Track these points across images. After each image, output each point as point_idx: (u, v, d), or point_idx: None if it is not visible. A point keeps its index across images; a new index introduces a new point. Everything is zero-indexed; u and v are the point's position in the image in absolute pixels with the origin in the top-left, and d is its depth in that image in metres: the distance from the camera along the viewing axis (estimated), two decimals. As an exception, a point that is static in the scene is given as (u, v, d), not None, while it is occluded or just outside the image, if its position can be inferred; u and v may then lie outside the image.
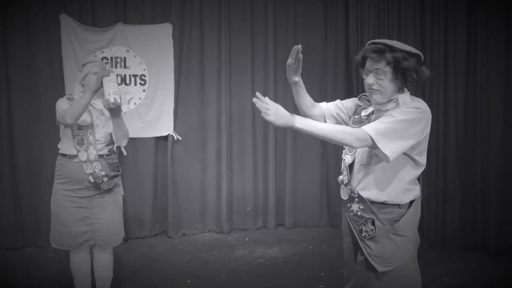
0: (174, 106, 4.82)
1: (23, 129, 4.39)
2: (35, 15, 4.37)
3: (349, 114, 2.15)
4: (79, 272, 2.95)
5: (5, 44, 4.31)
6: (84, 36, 4.46)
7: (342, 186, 2.07)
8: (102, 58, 4.50)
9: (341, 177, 2.08)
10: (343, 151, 2.10)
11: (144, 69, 4.69)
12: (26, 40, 4.36)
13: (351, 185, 2.00)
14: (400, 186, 1.95)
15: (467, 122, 4.36)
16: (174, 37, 4.76)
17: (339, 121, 2.15)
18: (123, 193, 3.03)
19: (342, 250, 2.26)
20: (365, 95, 2.08)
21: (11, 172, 4.36)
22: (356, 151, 2.01)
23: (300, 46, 1.88)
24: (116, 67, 4.56)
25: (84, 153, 2.77)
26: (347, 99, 2.21)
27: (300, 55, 1.91)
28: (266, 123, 5.06)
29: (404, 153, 1.89)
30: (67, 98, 2.86)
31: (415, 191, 2.00)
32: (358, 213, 1.98)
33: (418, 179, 2.05)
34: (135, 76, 4.66)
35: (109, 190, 2.87)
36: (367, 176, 1.97)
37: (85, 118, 2.78)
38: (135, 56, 4.62)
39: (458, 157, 4.37)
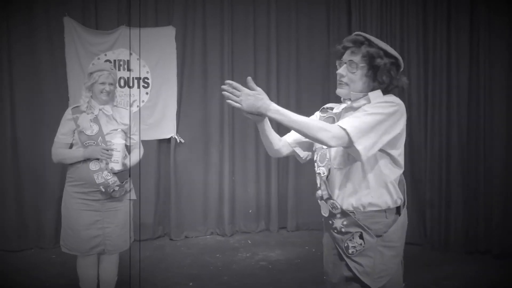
0: (177, 108, 4.83)
1: (26, 132, 4.41)
2: (39, 18, 4.40)
3: None
4: (86, 275, 2.93)
5: (9, 47, 4.34)
6: (87, 39, 4.48)
7: (321, 202, 1.89)
8: (106, 61, 4.52)
9: (319, 192, 1.89)
10: (315, 164, 1.94)
11: (147, 72, 4.71)
12: (30, 43, 4.39)
13: (332, 200, 1.83)
14: (383, 185, 1.79)
15: (470, 123, 4.35)
16: (177, 40, 4.78)
17: (309, 144, 2.02)
18: (135, 197, 3.02)
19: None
20: (328, 108, 1.98)
21: (14, 175, 4.38)
22: (328, 160, 1.86)
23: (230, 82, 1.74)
24: (119, 69, 4.58)
25: (96, 162, 2.77)
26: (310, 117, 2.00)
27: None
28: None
29: (382, 151, 1.76)
30: (72, 109, 2.88)
31: (399, 194, 1.83)
32: (343, 230, 1.80)
33: (401, 186, 1.88)
34: (138, 79, 4.68)
35: (121, 197, 2.88)
36: (347, 180, 1.81)
37: (90, 127, 2.81)
38: (138, 59, 4.64)
39: (461, 160, 4.36)
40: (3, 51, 4.31)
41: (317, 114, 2.04)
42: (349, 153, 1.76)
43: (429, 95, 4.48)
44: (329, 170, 1.86)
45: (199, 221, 5.00)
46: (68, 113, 2.89)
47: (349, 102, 1.87)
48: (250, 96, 1.66)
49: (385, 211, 1.79)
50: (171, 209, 4.88)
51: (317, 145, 1.91)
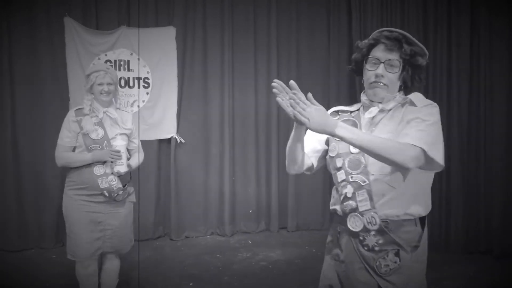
0: (177, 108, 4.83)
1: (27, 132, 4.41)
2: (39, 18, 4.41)
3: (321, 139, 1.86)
4: (87, 283, 2.89)
5: (10, 47, 4.34)
6: (88, 39, 4.49)
7: (354, 215, 1.68)
8: (106, 61, 4.52)
9: (351, 203, 1.68)
10: (338, 172, 1.74)
11: (148, 72, 4.71)
12: (30, 43, 4.39)
13: (373, 212, 1.65)
14: (422, 192, 1.71)
15: (470, 124, 4.35)
16: (177, 40, 4.78)
17: (324, 154, 1.88)
18: (134, 200, 3.00)
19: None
20: (340, 111, 1.86)
21: (15, 175, 4.38)
22: (364, 166, 1.68)
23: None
24: (119, 69, 4.58)
25: (101, 166, 2.74)
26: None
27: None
28: (269, 126, 5.08)
29: None
30: (75, 110, 2.82)
31: (430, 201, 1.75)
32: (376, 248, 1.64)
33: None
34: (138, 79, 4.68)
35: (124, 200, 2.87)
36: (389, 189, 1.65)
37: (96, 130, 2.77)
38: (138, 59, 4.64)
39: (461, 160, 4.36)
40: (4, 51, 4.32)
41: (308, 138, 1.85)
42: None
43: (430, 95, 4.48)
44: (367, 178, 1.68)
45: (200, 221, 5.00)
46: (71, 115, 2.82)
47: (380, 105, 1.74)
48: (320, 112, 1.48)
49: (415, 221, 1.69)
50: (171, 209, 4.88)
51: (342, 150, 1.74)
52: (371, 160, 1.65)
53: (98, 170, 2.73)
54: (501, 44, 4.18)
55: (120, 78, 4.55)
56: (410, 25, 4.54)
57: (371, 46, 1.75)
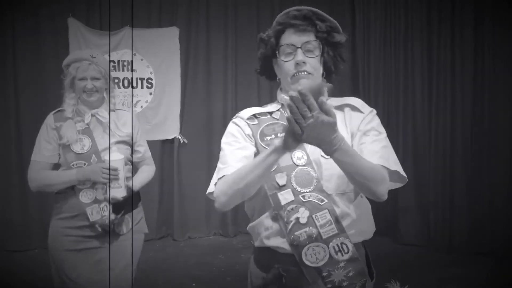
0: (181, 109, 4.83)
1: (31, 132, 4.39)
2: (43, 18, 4.43)
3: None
4: None
5: (14, 47, 4.36)
6: (91, 39, 4.49)
7: (311, 247, 1.30)
8: (110, 62, 4.53)
9: (307, 231, 1.30)
10: (283, 191, 1.33)
11: (151, 73, 4.71)
12: (34, 43, 4.42)
13: (342, 236, 1.31)
14: (371, 214, 1.46)
15: (474, 125, 4.33)
16: (180, 41, 4.79)
17: None
18: (146, 231, 2.33)
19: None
20: (258, 114, 1.47)
21: (19, 175, 4.39)
22: (316, 183, 1.33)
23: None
24: (123, 70, 4.59)
25: (90, 191, 2.05)
26: (232, 139, 1.47)
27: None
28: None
29: None
30: (54, 114, 2.14)
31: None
32: (344, 284, 1.31)
33: None
34: (142, 79, 4.69)
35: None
36: (349, 208, 1.36)
37: (80, 141, 2.07)
38: (142, 59, 4.65)
39: (465, 161, 4.34)
40: (8, 51, 4.35)
41: (236, 126, 1.48)
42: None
43: (433, 99, 4.47)
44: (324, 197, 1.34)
45: (202, 222, 5.00)
46: (50, 120, 2.12)
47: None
48: (324, 125, 1.09)
49: (363, 242, 1.42)
50: (174, 209, 4.88)
51: (283, 162, 1.33)
52: (325, 173, 1.35)
53: (85, 196, 2.05)
54: (506, 43, 4.16)
55: (123, 79, 4.55)
56: (414, 26, 4.54)
57: (279, 33, 1.45)
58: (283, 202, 1.33)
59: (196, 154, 4.97)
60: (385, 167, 1.30)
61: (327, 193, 1.33)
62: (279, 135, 1.39)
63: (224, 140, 1.50)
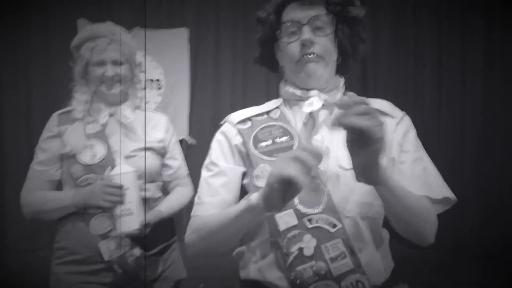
0: (189, 110, 4.84)
1: (41, 132, 4.45)
2: (53, 20, 4.48)
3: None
4: None
5: (25, 49, 4.41)
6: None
7: (319, 286, 0.97)
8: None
9: (313, 266, 0.98)
10: (289, 232, 1.00)
11: (161, 73, 4.73)
12: (44, 45, 4.48)
13: (359, 274, 0.99)
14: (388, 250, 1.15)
15: (485, 125, 4.31)
16: (190, 42, 4.80)
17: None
18: (183, 276, 1.78)
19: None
20: (252, 116, 1.19)
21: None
22: (326, 204, 1.01)
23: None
24: (132, 71, 4.61)
25: (102, 219, 1.47)
26: (210, 160, 1.28)
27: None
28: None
29: None
30: (59, 115, 1.68)
31: None
32: None
33: None
34: (151, 80, 4.70)
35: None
36: (371, 236, 1.06)
37: (90, 148, 1.51)
38: (151, 60, 4.66)
39: (475, 161, 4.31)
40: (19, 51, 4.40)
41: (221, 136, 1.22)
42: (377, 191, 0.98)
43: (443, 100, 4.45)
44: (337, 221, 1.01)
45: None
46: (52, 123, 1.64)
47: (322, 95, 1.10)
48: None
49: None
50: (182, 210, 4.88)
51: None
52: (343, 189, 1.03)
53: (97, 224, 1.47)
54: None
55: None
56: (422, 29, 4.52)
57: (280, 8, 1.14)
58: (282, 227, 1.00)
59: (204, 156, 4.93)
60: (429, 197, 1.05)
61: (342, 215, 1.01)
62: (277, 140, 1.08)
63: (206, 160, 1.23)
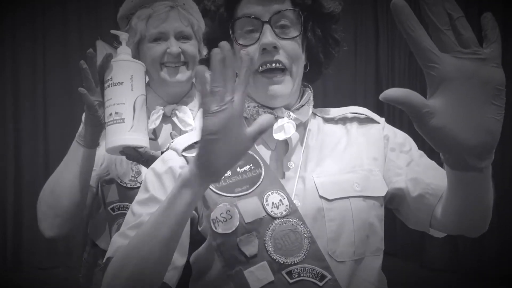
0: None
1: (59, 150, 4.49)
2: (73, 42, 4.57)
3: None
4: None
5: (44, 71, 4.52)
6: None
7: None
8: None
9: None
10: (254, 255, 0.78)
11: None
12: (64, 68, 4.56)
13: None
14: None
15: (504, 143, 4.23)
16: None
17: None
18: None
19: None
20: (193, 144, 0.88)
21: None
22: (301, 265, 0.77)
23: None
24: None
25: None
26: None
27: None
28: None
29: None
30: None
31: None
32: None
33: None
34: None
35: None
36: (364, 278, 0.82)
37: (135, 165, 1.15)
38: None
39: (495, 181, 4.22)
40: (39, 72, 4.51)
41: (166, 166, 0.86)
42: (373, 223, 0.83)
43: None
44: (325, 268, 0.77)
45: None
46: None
47: (291, 113, 0.88)
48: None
49: None
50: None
51: (251, 216, 0.79)
52: (329, 226, 0.80)
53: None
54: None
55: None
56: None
57: (232, 2, 0.86)
58: (255, 286, 0.75)
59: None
60: None
61: (333, 260, 0.77)
62: (238, 170, 0.82)
63: (137, 197, 0.88)
